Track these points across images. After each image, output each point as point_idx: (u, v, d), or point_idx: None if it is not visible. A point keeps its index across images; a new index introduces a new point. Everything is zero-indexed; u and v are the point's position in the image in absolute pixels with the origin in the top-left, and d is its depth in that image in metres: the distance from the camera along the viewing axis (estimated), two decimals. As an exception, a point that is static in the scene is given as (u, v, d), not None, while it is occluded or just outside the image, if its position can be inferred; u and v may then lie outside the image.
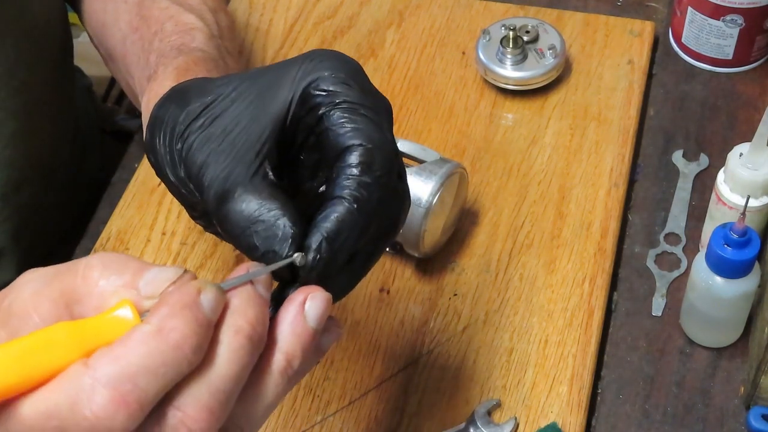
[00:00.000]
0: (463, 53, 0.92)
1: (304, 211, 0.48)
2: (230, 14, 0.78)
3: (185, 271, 0.43)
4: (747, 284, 0.68)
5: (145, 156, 0.85)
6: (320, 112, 0.49)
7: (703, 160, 0.83)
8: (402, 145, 0.75)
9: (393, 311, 0.76)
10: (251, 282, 0.45)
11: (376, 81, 0.52)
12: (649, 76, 0.90)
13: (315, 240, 0.47)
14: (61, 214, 0.92)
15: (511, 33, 0.86)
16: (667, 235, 0.79)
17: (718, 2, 0.85)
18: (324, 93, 0.49)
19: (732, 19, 0.85)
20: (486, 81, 0.89)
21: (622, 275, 0.78)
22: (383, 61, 0.92)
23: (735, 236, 0.65)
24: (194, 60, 0.64)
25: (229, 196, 0.47)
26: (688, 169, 0.83)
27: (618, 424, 0.70)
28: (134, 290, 0.43)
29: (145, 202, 0.83)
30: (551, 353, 0.72)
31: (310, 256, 0.46)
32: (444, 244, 0.78)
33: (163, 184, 0.53)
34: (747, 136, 0.74)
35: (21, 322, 0.43)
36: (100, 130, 1.03)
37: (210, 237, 0.80)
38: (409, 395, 0.71)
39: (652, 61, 0.92)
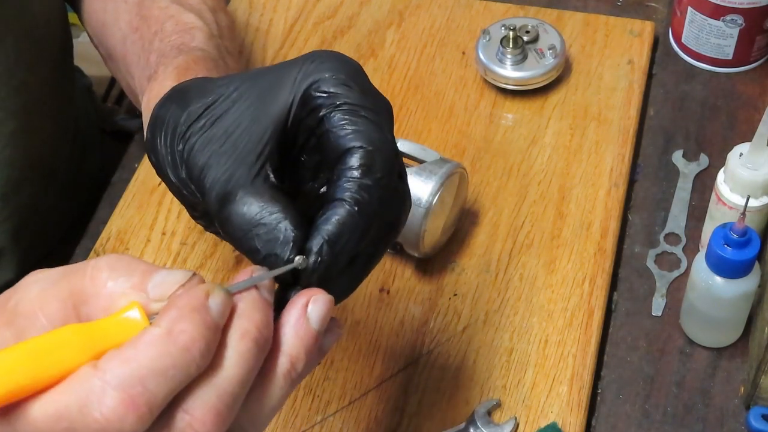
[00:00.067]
0: (463, 53, 0.92)
1: (305, 212, 0.48)
2: (230, 14, 0.78)
3: (194, 274, 0.44)
4: (747, 284, 0.68)
5: (146, 156, 0.86)
6: (321, 113, 0.49)
7: (703, 160, 0.84)
8: (402, 145, 0.75)
9: (393, 311, 0.76)
10: (255, 286, 0.45)
11: (376, 81, 0.52)
12: (649, 76, 0.91)
13: (316, 243, 0.47)
14: (61, 214, 0.92)
15: (511, 33, 0.86)
16: (667, 235, 0.79)
17: (718, 2, 0.85)
18: (324, 95, 0.49)
19: (732, 19, 0.86)
20: (486, 81, 0.89)
21: (622, 275, 0.78)
22: (383, 61, 0.92)
23: (735, 236, 0.65)
24: (194, 59, 0.64)
25: (231, 198, 0.48)
26: (688, 169, 0.83)
27: (618, 424, 0.70)
28: (142, 293, 0.43)
29: (145, 202, 0.83)
30: (551, 353, 0.72)
31: (312, 259, 0.47)
32: (444, 244, 0.78)
33: (163, 184, 0.53)
34: (747, 136, 0.74)
35: (27, 322, 0.43)
36: (100, 130, 1.03)
37: (210, 237, 0.80)
38: (409, 395, 0.71)
39: (652, 61, 0.92)
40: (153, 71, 0.65)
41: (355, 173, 0.48)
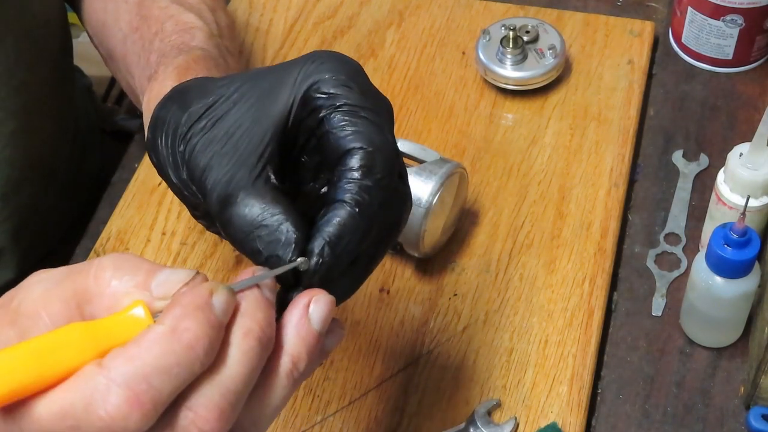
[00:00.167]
0: (463, 53, 0.92)
1: (306, 212, 0.49)
2: (229, 14, 0.78)
3: (197, 272, 0.44)
4: (747, 284, 0.68)
5: (146, 156, 0.86)
6: (321, 114, 0.49)
7: (703, 160, 0.84)
8: (402, 145, 0.75)
9: (393, 311, 0.76)
10: (257, 285, 0.45)
11: (376, 81, 0.52)
12: (649, 76, 0.91)
13: (318, 245, 0.47)
14: (61, 214, 0.92)
15: (511, 33, 0.86)
16: (667, 235, 0.79)
17: (718, 2, 0.85)
18: (325, 96, 0.49)
19: (732, 19, 0.86)
20: (486, 81, 0.89)
21: (622, 275, 0.78)
22: (383, 61, 0.92)
23: (735, 236, 0.65)
24: (194, 59, 0.64)
25: (232, 200, 0.48)
26: (688, 169, 0.83)
27: (618, 424, 0.70)
28: (146, 291, 0.43)
29: (145, 202, 0.83)
30: (551, 353, 0.72)
31: (313, 260, 0.47)
32: (444, 244, 0.78)
33: (163, 184, 0.53)
34: (747, 136, 0.74)
35: (30, 321, 0.43)
36: (100, 130, 1.03)
37: (210, 237, 0.80)
38: (409, 395, 0.71)
39: (652, 61, 0.92)
40: (153, 71, 0.65)
41: (356, 174, 0.48)
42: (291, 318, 0.46)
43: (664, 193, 0.82)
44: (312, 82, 0.49)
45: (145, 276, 0.44)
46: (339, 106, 0.49)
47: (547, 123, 0.86)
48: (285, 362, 0.45)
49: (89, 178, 0.96)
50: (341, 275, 0.48)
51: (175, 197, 0.54)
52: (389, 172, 0.49)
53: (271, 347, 0.45)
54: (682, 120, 0.87)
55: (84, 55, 1.00)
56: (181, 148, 0.50)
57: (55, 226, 0.91)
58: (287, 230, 0.47)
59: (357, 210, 0.47)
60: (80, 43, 0.95)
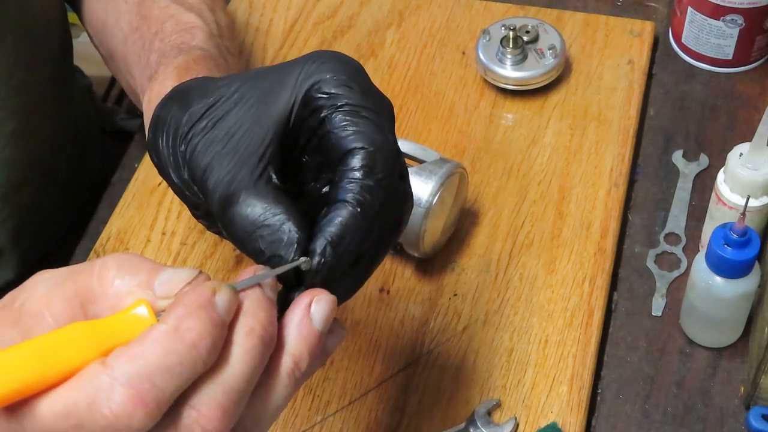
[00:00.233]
0: (463, 53, 0.92)
1: (308, 212, 0.49)
2: (229, 13, 0.79)
3: (200, 272, 0.44)
4: (747, 284, 0.68)
5: (146, 156, 0.86)
6: (322, 114, 0.49)
7: (703, 160, 0.84)
8: (402, 145, 0.74)
9: (393, 311, 0.76)
10: (259, 284, 0.45)
11: (376, 81, 0.52)
12: (649, 76, 0.91)
13: (319, 244, 0.47)
14: (61, 214, 0.92)
15: (511, 33, 0.86)
16: (667, 235, 0.79)
17: (718, 2, 0.85)
18: (326, 96, 0.49)
19: (732, 19, 0.86)
20: (486, 81, 0.89)
21: (622, 275, 0.78)
22: (383, 61, 0.92)
23: (735, 236, 0.65)
24: (194, 58, 0.64)
25: (234, 200, 0.48)
26: (688, 169, 0.83)
27: (618, 424, 0.70)
28: (149, 291, 0.43)
29: (145, 202, 0.83)
30: (551, 353, 0.72)
31: (315, 260, 0.47)
32: (444, 244, 0.78)
33: (163, 184, 0.53)
34: (747, 136, 0.74)
35: (33, 321, 0.43)
36: (100, 130, 1.03)
37: (210, 237, 0.80)
38: (409, 395, 0.71)
39: (652, 61, 0.92)
40: (153, 71, 0.65)
41: (357, 174, 0.48)
42: (293, 318, 0.46)
43: (664, 193, 0.82)
44: (313, 82, 0.49)
45: (147, 275, 0.44)
46: (340, 106, 0.49)
47: (547, 123, 0.86)
48: (287, 362, 0.45)
49: (89, 178, 0.96)
50: (343, 275, 0.48)
51: (176, 197, 0.54)
52: (390, 171, 0.49)
53: (273, 346, 0.45)
54: (682, 120, 0.87)
55: (84, 55, 1.00)
56: (182, 148, 0.50)
57: (55, 226, 0.91)
58: (289, 230, 0.47)
59: (359, 210, 0.47)
60: (80, 43, 0.95)
